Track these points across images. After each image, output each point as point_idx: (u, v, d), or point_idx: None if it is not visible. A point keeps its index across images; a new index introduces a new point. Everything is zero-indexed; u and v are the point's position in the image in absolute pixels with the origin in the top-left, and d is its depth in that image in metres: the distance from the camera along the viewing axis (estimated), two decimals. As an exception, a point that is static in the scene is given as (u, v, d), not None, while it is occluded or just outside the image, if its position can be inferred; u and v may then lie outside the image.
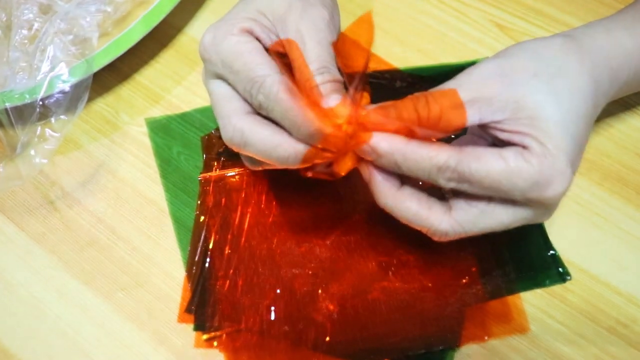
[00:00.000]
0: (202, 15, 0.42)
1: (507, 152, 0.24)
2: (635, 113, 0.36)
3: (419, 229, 0.26)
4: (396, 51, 0.40)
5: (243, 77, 0.26)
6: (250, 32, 0.28)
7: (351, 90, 0.25)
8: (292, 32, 0.27)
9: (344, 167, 0.27)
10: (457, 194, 0.26)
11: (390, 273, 0.31)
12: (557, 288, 0.31)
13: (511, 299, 0.31)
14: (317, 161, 0.26)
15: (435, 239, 0.26)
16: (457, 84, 0.25)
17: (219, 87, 0.28)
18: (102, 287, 0.32)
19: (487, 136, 0.27)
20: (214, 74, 0.28)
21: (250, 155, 0.27)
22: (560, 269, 0.31)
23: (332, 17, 0.29)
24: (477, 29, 0.40)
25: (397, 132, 0.25)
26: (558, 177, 0.24)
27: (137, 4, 0.40)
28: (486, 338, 0.30)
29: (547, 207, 0.25)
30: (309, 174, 0.27)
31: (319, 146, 0.25)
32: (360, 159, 0.26)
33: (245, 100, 0.27)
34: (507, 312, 0.30)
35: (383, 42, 0.40)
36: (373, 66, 0.39)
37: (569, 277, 0.31)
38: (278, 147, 0.26)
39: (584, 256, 0.32)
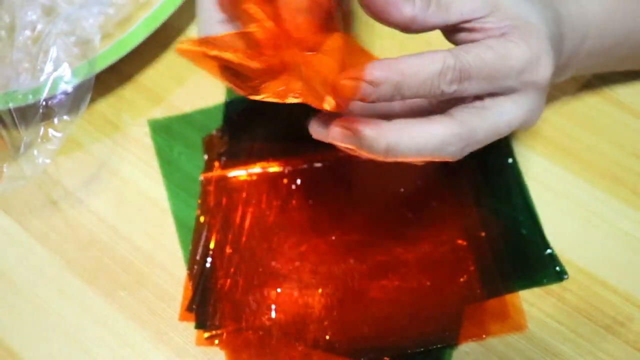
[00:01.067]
0: (203, 17, 0.43)
1: (490, 41, 0.24)
2: (630, 112, 0.37)
3: (427, 156, 0.23)
4: (394, 53, 0.40)
5: None
6: None
7: None
8: None
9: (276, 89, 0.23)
10: (450, 107, 0.25)
11: (389, 272, 0.32)
12: (554, 287, 0.31)
13: (509, 297, 0.31)
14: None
15: (450, 158, 0.24)
16: None
17: None
18: (104, 286, 0.33)
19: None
20: None
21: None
22: (557, 268, 0.32)
23: None
24: None
25: None
26: (546, 53, 0.24)
27: (139, 6, 0.40)
28: (484, 336, 0.30)
29: (539, 92, 0.25)
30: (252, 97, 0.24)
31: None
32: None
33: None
34: (505, 311, 0.31)
35: (381, 43, 0.40)
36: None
37: (566, 276, 0.31)
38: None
39: (582, 255, 0.32)
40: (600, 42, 0.30)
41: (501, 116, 0.24)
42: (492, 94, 0.24)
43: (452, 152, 0.24)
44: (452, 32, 0.25)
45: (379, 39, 0.41)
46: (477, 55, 0.23)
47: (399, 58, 0.23)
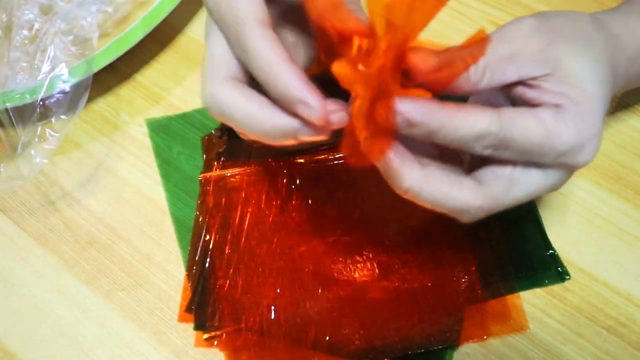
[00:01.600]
0: (202, 16, 0.42)
1: (544, 114, 0.23)
2: (634, 113, 0.36)
3: (446, 211, 0.23)
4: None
5: (226, 24, 0.23)
6: None
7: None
8: None
9: (374, 149, 0.22)
10: (479, 165, 0.24)
11: (389, 273, 0.31)
12: (556, 287, 0.31)
13: (510, 298, 0.31)
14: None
15: (465, 219, 0.24)
16: (499, 38, 0.24)
17: (212, 44, 0.24)
18: (102, 287, 0.32)
19: (503, 98, 0.26)
20: (212, 27, 0.25)
21: (234, 127, 0.24)
22: (559, 269, 0.32)
23: None
24: (475, 29, 0.40)
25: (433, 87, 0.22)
26: (593, 139, 0.23)
27: (137, 5, 0.40)
28: (485, 337, 0.30)
29: (572, 171, 0.25)
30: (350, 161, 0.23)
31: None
32: (370, 136, 0.22)
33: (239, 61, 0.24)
34: (506, 312, 0.30)
35: (382, 42, 0.40)
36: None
37: (568, 277, 0.31)
38: (256, 119, 0.22)
39: (583, 256, 0.32)
40: None
41: (528, 189, 0.24)
42: (519, 164, 0.24)
43: (469, 218, 0.24)
44: (510, 86, 0.24)
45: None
46: (523, 130, 0.22)
47: (445, 105, 0.22)
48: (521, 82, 0.24)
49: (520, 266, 0.32)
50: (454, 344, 0.30)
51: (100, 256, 0.33)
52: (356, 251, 0.32)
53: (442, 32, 0.41)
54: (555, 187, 0.25)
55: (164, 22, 0.38)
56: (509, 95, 0.25)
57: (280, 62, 0.22)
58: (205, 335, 0.31)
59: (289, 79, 0.21)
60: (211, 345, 0.30)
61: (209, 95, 0.24)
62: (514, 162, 0.24)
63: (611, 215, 0.33)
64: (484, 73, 0.23)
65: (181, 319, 0.31)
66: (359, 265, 0.32)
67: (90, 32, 0.37)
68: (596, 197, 0.34)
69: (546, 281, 0.31)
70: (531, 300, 0.31)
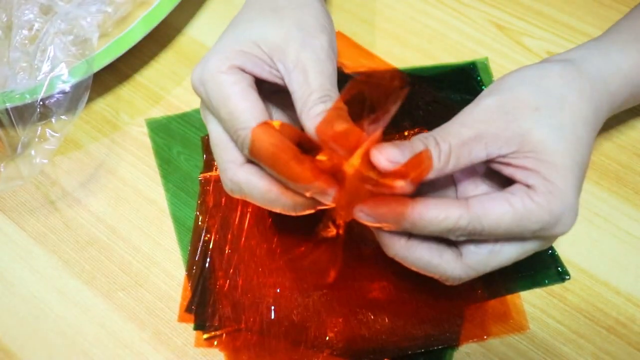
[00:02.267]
0: (202, 16, 0.43)
1: (514, 198, 0.24)
2: (634, 113, 0.36)
3: (430, 276, 0.26)
4: (396, 51, 0.40)
5: (229, 126, 0.26)
6: (241, 69, 0.27)
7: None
8: (291, 63, 0.27)
9: (347, 212, 0.25)
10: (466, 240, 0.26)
11: (390, 272, 0.31)
12: (556, 287, 0.31)
13: (510, 298, 0.31)
14: (319, 207, 0.26)
15: (448, 283, 0.26)
16: (461, 122, 0.25)
17: (215, 129, 0.27)
18: (102, 287, 0.32)
19: (482, 166, 0.27)
20: (210, 112, 0.28)
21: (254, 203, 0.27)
22: (559, 269, 0.32)
23: (332, 43, 0.28)
24: (477, 29, 0.41)
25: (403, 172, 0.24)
26: (567, 213, 0.24)
27: (137, 5, 0.40)
28: (485, 337, 0.30)
29: (555, 238, 0.26)
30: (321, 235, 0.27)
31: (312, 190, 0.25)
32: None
33: None
34: (506, 312, 0.30)
35: (383, 42, 0.40)
36: (372, 66, 0.39)
37: (568, 277, 0.31)
38: (276, 201, 0.26)
39: (583, 256, 0.32)
40: (631, 103, 0.30)
41: (508, 258, 0.25)
42: (507, 239, 0.25)
43: (451, 283, 0.26)
44: (485, 162, 0.25)
45: (380, 39, 0.41)
46: (494, 219, 0.24)
47: (414, 205, 0.24)
48: (493, 160, 0.25)
49: (521, 266, 0.31)
50: (454, 344, 0.30)
51: (100, 256, 0.33)
52: (356, 251, 0.32)
53: (442, 32, 0.41)
54: (538, 250, 0.26)
55: (164, 22, 0.38)
56: (488, 169, 0.26)
57: (294, 163, 0.24)
58: (205, 335, 0.31)
59: (307, 174, 0.24)
60: (211, 345, 0.30)
61: (229, 181, 0.26)
62: (495, 239, 0.25)
63: (611, 215, 0.33)
64: (449, 158, 0.24)
65: (181, 319, 0.31)
66: (358, 265, 0.32)
67: (90, 32, 0.37)
68: (596, 197, 0.34)
69: (546, 281, 0.31)
70: (531, 300, 0.31)
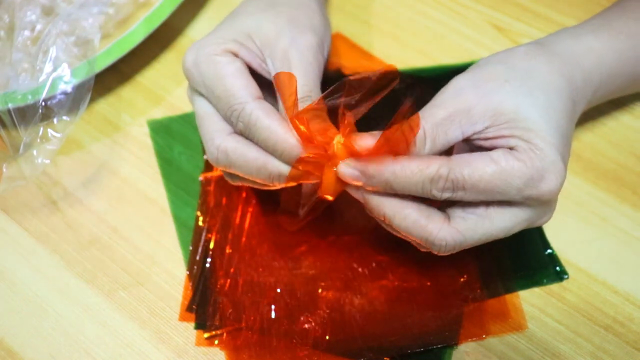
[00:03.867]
0: (203, 17, 0.43)
1: (496, 154, 0.24)
2: (630, 112, 0.37)
3: (417, 240, 0.26)
4: (395, 52, 0.40)
5: (224, 103, 0.27)
6: (235, 54, 0.28)
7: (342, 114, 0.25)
8: (279, 61, 0.27)
9: (329, 188, 0.26)
10: (454, 204, 0.26)
11: (389, 272, 0.32)
12: (554, 287, 0.31)
13: (509, 297, 0.31)
14: (303, 181, 0.27)
15: (435, 250, 0.26)
16: (432, 104, 0.26)
17: (203, 105, 0.28)
18: (103, 286, 0.33)
19: (472, 150, 0.28)
20: (198, 92, 0.28)
21: (235, 174, 0.28)
22: (557, 268, 0.32)
23: (322, 44, 0.29)
24: (475, 31, 0.41)
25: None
26: (551, 168, 0.24)
27: (138, 6, 0.40)
28: (484, 336, 0.30)
29: (545, 204, 0.25)
30: (301, 212, 0.28)
31: (301, 168, 0.26)
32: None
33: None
34: (505, 311, 0.31)
35: (382, 43, 0.41)
36: (372, 67, 0.39)
37: (566, 276, 0.31)
38: (262, 168, 0.26)
39: (581, 255, 0.32)
40: (611, 86, 0.30)
41: (499, 225, 0.25)
42: (493, 203, 0.25)
43: (437, 250, 0.25)
44: (465, 141, 0.26)
45: (379, 41, 0.41)
46: (475, 170, 0.24)
47: (397, 159, 0.24)
48: (471, 138, 0.25)
49: (519, 265, 0.32)
50: (453, 343, 0.30)
51: (102, 256, 0.34)
52: (356, 251, 0.32)
53: (441, 33, 0.41)
54: (533, 222, 0.26)
55: (165, 24, 0.39)
56: (474, 147, 0.26)
57: (282, 131, 0.25)
58: (206, 335, 0.31)
59: (291, 140, 0.25)
60: (212, 344, 0.30)
61: (216, 148, 0.27)
62: (486, 203, 0.25)
63: (609, 215, 0.33)
64: (425, 141, 0.25)
65: (182, 318, 0.31)
66: (358, 264, 0.32)
67: (92, 33, 0.37)
68: (594, 197, 0.34)
69: (544, 280, 0.31)
70: (530, 300, 0.31)
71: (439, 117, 0.25)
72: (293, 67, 0.27)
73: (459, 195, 0.24)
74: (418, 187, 0.24)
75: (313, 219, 0.31)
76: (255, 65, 0.28)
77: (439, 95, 0.26)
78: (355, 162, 0.25)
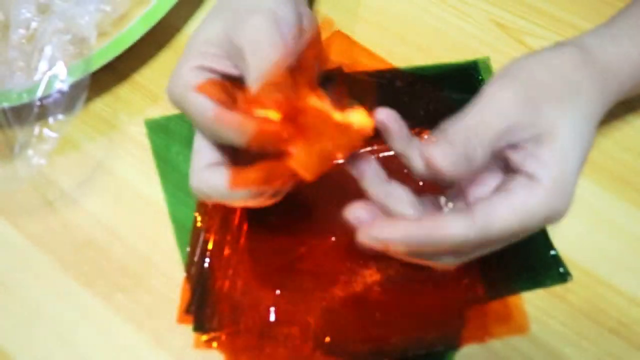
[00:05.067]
0: (201, 15, 0.42)
1: (515, 199, 0.24)
2: (636, 113, 0.36)
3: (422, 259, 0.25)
4: (397, 50, 0.40)
5: (194, 120, 0.27)
6: (200, 67, 0.28)
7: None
8: (234, 53, 0.28)
9: (301, 163, 0.25)
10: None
11: (390, 274, 0.31)
12: (558, 288, 0.31)
13: (512, 299, 0.31)
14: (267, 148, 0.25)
15: (455, 257, 0.25)
16: (483, 119, 0.24)
17: (196, 138, 0.28)
18: (100, 288, 0.32)
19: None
20: None
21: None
22: (561, 269, 0.31)
23: (276, 19, 0.28)
24: (478, 28, 0.40)
25: None
26: (566, 202, 0.24)
27: (135, 4, 0.40)
28: (486, 338, 0.30)
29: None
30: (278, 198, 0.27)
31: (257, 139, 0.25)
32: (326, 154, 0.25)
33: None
34: (507, 313, 0.30)
35: (384, 41, 0.40)
36: (373, 65, 0.39)
37: (570, 277, 0.31)
38: (228, 194, 0.26)
39: (586, 256, 0.32)
40: (636, 85, 0.29)
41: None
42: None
43: (460, 259, 0.25)
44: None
45: (381, 38, 0.41)
46: (500, 228, 0.24)
47: (421, 224, 0.24)
48: (507, 146, 0.25)
49: (522, 267, 0.31)
50: (454, 345, 0.29)
51: (99, 257, 0.33)
52: (357, 252, 0.32)
53: (443, 31, 0.40)
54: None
55: (163, 22, 0.38)
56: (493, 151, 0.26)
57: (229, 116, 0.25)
58: (205, 337, 0.30)
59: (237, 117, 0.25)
60: (210, 346, 0.30)
61: (194, 185, 0.27)
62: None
63: (614, 216, 0.33)
64: (483, 153, 0.24)
65: (180, 321, 0.31)
66: (359, 265, 0.32)
67: (88, 31, 0.37)
68: (598, 198, 0.33)
69: (548, 282, 0.31)
70: (533, 301, 0.31)
71: (492, 135, 0.24)
72: (245, 54, 0.27)
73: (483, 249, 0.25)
74: (448, 251, 0.24)
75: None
76: (228, 69, 0.28)
77: (487, 108, 0.25)
78: (374, 231, 0.24)
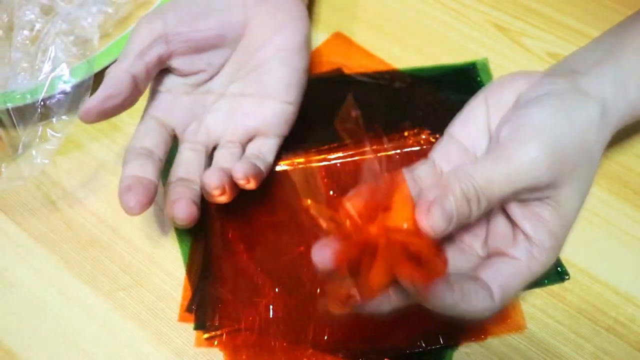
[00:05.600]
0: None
1: (521, 265, 0.25)
2: (634, 113, 0.36)
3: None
4: (396, 52, 0.40)
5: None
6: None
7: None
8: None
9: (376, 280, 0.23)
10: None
11: (389, 272, 0.31)
12: (555, 287, 0.31)
13: (510, 298, 0.31)
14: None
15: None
16: (507, 176, 0.23)
17: None
18: (103, 287, 0.32)
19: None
20: None
21: None
22: (558, 269, 0.32)
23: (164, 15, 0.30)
24: (476, 30, 0.41)
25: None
26: (554, 258, 0.25)
27: (138, 5, 0.40)
28: (484, 337, 0.30)
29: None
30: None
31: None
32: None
33: None
34: (504, 311, 0.30)
35: (383, 42, 0.40)
36: (372, 67, 0.39)
37: (567, 277, 0.31)
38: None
39: (583, 256, 0.32)
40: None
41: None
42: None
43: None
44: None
45: (380, 40, 0.41)
46: (513, 289, 0.25)
47: (450, 291, 0.24)
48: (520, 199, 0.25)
49: (520, 266, 0.32)
50: (453, 344, 0.30)
51: (101, 256, 0.33)
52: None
53: (442, 33, 0.41)
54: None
55: (165, 23, 0.38)
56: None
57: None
58: (206, 335, 0.31)
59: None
60: (211, 344, 0.30)
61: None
62: None
63: (611, 216, 0.33)
64: (486, 210, 0.24)
65: (181, 319, 0.31)
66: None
67: (91, 33, 0.37)
68: (596, 198, 0.34)
69: (545, 281, 0.31)
70: (531, 300, 0.31)
71: (507, 192, 0.24)
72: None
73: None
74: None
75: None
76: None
77: (510, 163, 0.23)
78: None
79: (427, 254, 0.22)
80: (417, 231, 0.23)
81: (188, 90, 0.32)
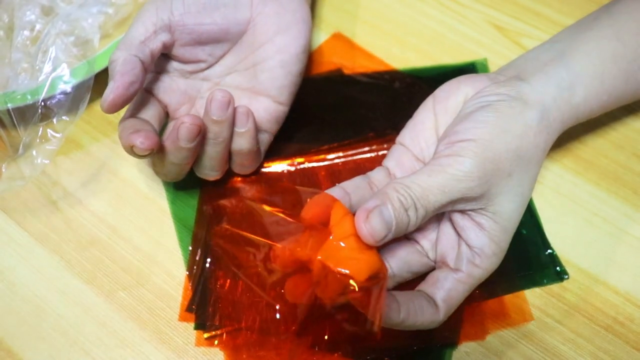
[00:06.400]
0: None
1: (464, 277, 0.27)
2: (632, 113, 0.37)
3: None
4: (395, 52, 0.40)
5: None
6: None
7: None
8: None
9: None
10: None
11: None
12: (554, 287, 0.31)
13: (509, 297, 0.31)
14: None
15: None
16: (441, 186, 0.25)
17: None
18: (103, 287, 0.33)
19: None
20: None
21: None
22: (558, 268, 0.32)
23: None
24: (475, 30, 0.41)
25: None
26: (497, 263, 0.27)
27: (138, 6, 0.40)
28: (484, 336, 0.30)
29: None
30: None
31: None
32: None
33: None
34: (504, 311, 0.31)
35: (382, 43, 0.41)
36: (372, 67, 0.39)
37: (566, 276, 0.31)
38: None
39: (582, 255, 0.32)
40: (590, 108, 0.30)
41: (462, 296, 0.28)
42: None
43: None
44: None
45: (380, 40, 0.41)
46: (456, 300, 0.27)
47: (401, 307, 0.26)
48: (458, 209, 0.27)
49: (519, 266, 0.32)
50: (452, 343, 0.30)
51: (102, 256, 0.34)
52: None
53: (441, 33, 0.41)
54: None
55: (165, 23, 0.38)
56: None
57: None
58: (206, 335, 0.31)
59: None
60: (212, 344, 0.30)
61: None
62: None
63: (610, 215, 0.33)
64: (423, 219, 0.26)
65: (182, 319, 0.31)
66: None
67: (92, 33, 0.37)
68: (595, 197, 0.34)
69: (545, 281, 0.31)
70: (530, 300, 0.31)
71: (444, 202, 0.25)
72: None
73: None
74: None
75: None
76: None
77: (448, 176, 0.25)
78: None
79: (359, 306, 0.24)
80: (359, 244, 0.24)
81: (186, 75, 0.33)
